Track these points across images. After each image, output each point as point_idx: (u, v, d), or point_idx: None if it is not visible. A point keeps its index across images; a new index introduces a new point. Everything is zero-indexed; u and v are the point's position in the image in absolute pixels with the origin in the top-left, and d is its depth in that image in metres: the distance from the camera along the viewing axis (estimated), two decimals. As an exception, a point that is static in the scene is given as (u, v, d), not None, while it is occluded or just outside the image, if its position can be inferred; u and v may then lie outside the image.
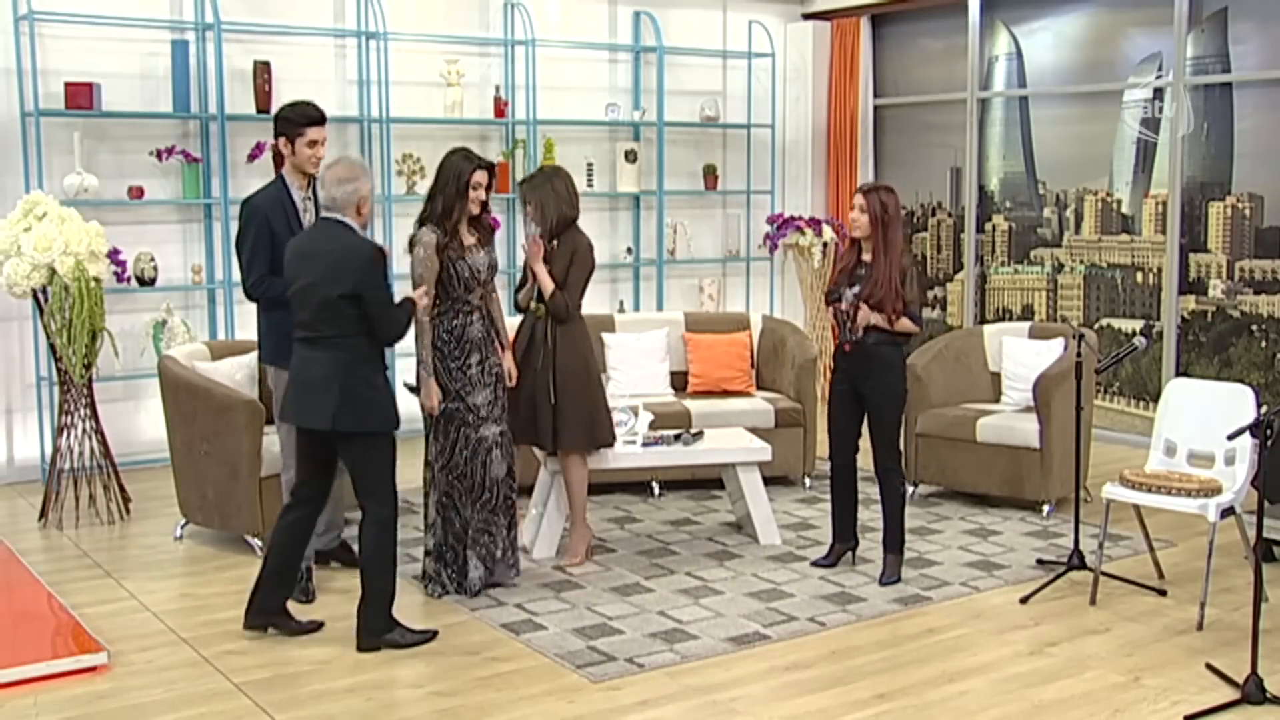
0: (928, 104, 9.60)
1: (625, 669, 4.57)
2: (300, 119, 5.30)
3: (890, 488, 5.54)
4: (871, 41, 9.85)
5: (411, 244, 5.22)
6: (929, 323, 9.59)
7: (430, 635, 4.85)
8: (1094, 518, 6.08)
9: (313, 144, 5.31)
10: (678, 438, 6.17)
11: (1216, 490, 5.12)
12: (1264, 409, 5.26)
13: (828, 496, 6.08)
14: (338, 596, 5.32)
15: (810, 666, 4.64)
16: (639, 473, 6.74)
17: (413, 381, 5.32)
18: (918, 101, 9.67)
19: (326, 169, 4.76)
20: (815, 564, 5.76)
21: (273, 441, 5.73)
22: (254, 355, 5.99)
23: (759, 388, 7.49)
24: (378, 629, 4.78)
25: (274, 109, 7.69)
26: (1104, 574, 5.34)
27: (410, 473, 7.49)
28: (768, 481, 6.35)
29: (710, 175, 9.63)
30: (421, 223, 5.23)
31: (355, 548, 5.81)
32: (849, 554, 5.77)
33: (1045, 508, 6.57)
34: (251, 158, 7.72)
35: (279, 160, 5.29)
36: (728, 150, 9.84)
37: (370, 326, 4.64)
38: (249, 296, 5.36)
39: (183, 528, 6.17)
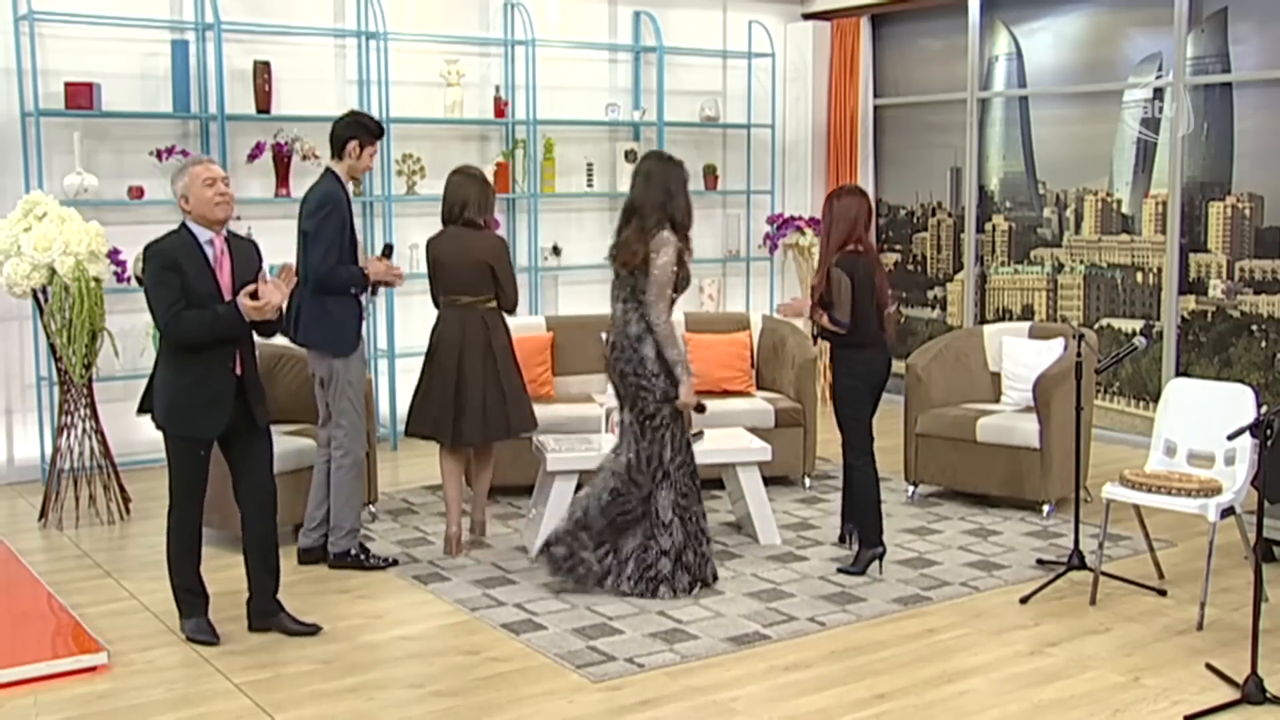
0: (928, 104, 9.60)
1: (625, 669, 4.57)
2: (377, 130, 5.69)
3: (854, 480, 5.67)
4: (871, 41, 9.85)
5: (646, 251, 5.22)
6: (929, 322, 9.60)
7: (211, 642, 4.79)
8: (1094, 518, 6.07)
9: (373, 154, 5.71)
10: (678, 438, 6.16)
11: (1216, 490, 5.12)
12: (1264, 409, 5.25)
13: (828, 497, 6.11)
14: (338, 596, 5.33)
15: (810, 666, 4.64)
16: (639, 473, 6.73)
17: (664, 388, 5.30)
18: (918, 101, 9.67)
19: None
20: (839, 542, 5.99)
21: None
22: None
23: (759, 388, 7.49)
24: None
25: (274, 109, 7.80)
26: (1104, 574, 5.34)
27: (405, 475, 7.52)
28: (768, 481, 6.35)
29: (710, 175, 9.63)
30: (646, 229, 5.23)
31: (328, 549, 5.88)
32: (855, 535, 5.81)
33: (1045, 508, 6.56)
34: (252, 158, 7.71)
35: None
36: (728, 150, 9.84)
37: None
38: (319, 285, 5.51)
39: (183, 528, 6.16)
